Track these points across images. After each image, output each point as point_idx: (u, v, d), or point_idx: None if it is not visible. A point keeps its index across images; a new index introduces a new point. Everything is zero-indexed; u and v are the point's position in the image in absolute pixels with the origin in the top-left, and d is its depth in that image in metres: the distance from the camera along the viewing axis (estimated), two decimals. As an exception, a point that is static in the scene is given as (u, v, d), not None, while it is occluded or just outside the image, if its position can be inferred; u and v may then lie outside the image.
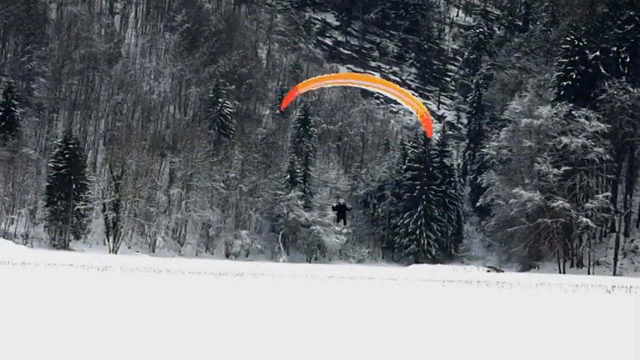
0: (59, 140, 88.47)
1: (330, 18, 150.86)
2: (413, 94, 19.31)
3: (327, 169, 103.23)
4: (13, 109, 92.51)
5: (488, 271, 76.45)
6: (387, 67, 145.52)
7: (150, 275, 28.17)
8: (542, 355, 10.48)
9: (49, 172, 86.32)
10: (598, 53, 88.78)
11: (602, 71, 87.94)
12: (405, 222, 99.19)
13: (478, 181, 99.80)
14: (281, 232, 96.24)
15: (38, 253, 55.43)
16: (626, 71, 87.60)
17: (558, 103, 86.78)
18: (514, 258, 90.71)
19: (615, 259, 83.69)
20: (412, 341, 11.41)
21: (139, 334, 10.95)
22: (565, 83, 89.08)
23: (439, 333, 12.56)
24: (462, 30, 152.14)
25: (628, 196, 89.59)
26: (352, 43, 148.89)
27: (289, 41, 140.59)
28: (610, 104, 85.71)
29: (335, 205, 25.04)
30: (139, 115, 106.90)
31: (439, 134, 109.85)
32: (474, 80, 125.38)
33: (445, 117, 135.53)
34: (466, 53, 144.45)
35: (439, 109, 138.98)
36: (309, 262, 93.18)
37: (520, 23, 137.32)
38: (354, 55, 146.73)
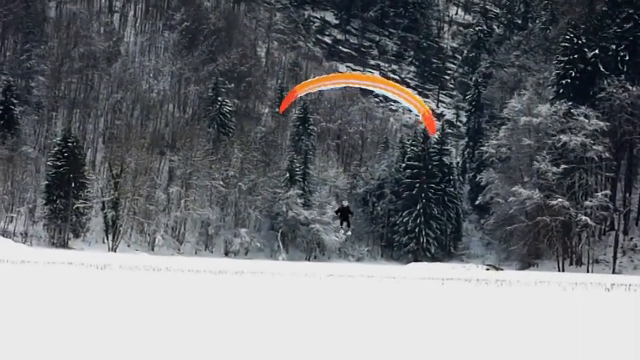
0: (58, 139, 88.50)
1: (330, 16, 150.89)
2: (412, 93, 19.07)
3: (327, 168, 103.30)
4: (13, 107, 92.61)
5: (488, 270, 76.44)
6: (386, 65, 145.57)
7: (149, 274, 28.17)
8: (542, 354, 10.49)
9: (49, 171, 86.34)
10: (597, 51, 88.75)
11: (602, 69, 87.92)
12: (404, 220, 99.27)
13: (477, 179, 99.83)
14: (280, 231, 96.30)
15: (37, 252, 55.43)
16: (625, 69, 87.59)
17: (557, 102, 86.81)
18: (513, 256, 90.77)
19: (614, 257, 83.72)
20: (411, 339, 11.42)
21: (139, 332, 10.97)
22: (564, 81, 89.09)
23: (438, 331, 12.57)
24: (461, 28, 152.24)
25: (627, 194, 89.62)
26: (351, 41, 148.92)
27: (288, 39, 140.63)
28: (609, 102, 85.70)
29: (338, 208, 24.83)
30: (138, 113, 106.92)
31: (438, 132, 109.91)
32: (473, 78, 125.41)
33: (444, 115, 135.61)
34: (465, 51, 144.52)
35: (438, 107, 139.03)
36: (309, 260, 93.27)
37: (519, 21, 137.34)
38: (353, 53, 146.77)
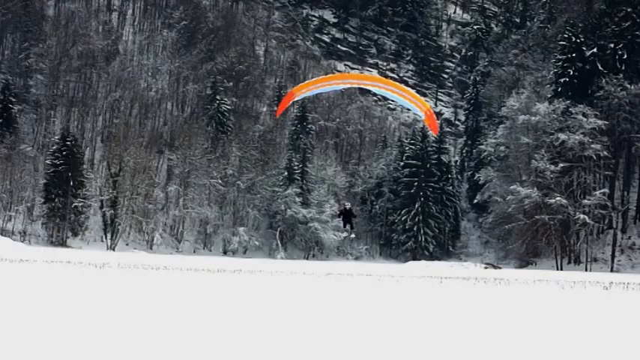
0: (57, 137, 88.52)
1: (328, 15, 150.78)
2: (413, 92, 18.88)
3: (325, 166, 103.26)
4: (11, 106, 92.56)
5: (486, 268, 76.52)
6: (385, 64, 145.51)
7: (148, 272, 28.20)
8: (540, 352, 10.52)
9: (47, 169, 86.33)
10: (595, 50, 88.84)
11: (600, 68, 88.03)
12: (403, 219, 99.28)
13: (475, 177, 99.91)
14: (279, 229, 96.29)
15: (36, 250, 55.43)
16: (623, 68, 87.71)
17: (556, 100, 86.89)
18: (511, 254, 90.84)
19: (612, 256, 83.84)
20: (410, 338, 11.45)
21: (138, 331, 10.99)
22: (562, 80, 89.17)
23: (437, 330, 12.60)
24: (459, 27, 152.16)
25: (625, 193, 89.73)
26: (350, 40, 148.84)
27: (287, 38, 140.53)
28: (607, 101, 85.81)
29: (340, 210, 24.65)
30: (136, 112, 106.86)
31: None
32: (472, 77, 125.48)
33: (443, 114, 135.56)
34: (463, 50, 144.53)
35: (436, 105, 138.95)
36: (307, 258, 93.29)
37: (517, 20, 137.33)
38: (352, 52, 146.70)
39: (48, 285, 19.45)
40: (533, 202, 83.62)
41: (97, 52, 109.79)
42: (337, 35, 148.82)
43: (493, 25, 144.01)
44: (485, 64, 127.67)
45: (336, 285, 25.53)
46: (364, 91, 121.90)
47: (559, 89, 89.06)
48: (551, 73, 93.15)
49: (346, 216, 24.51)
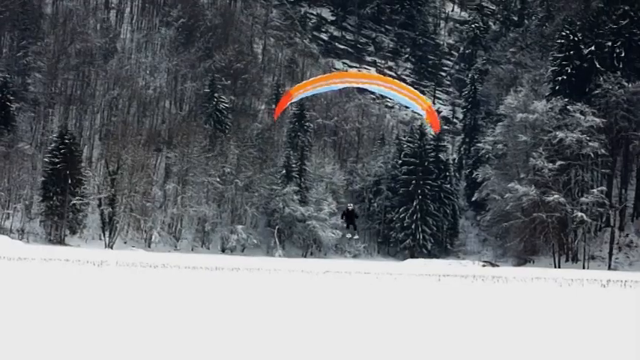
0: (55, 135, 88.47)
1: (326, 13, 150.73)
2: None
3: (323, 164, 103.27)
4: (9, 104, 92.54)
5: (484, 266, 76.63)
6: (383, 62, 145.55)
7: (146, 270, 28.22)
8: (538, 350, 10.56)
9: (45, 167, 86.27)
10: (593, 48, 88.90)
11: (597, 66, 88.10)
12: (401, 217, 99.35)
13: (473, 175, 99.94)
14: (277, 227, 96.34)
15: (34, 248, 55.40)
16: (620, 66, 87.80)
17: (553, 98, 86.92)
18: (509, 252, 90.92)
19: (610, 254, 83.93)
20: (408, 336, 11.49)
21: (136, 329, 11.02)
22: (560, 78, 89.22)
23: (435, 327, 12.64)
24: (457, 25, 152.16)
25: (623, 191, 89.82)
26: (348, 38, 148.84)
27: (285, 36, 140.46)
28: (605, 99, 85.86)
29: (343, 212, 24.61)
30: (134, 110, 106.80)
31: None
32: (470, 75, 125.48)
33: (441, 112, 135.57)
34: (461, 48, 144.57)
35: (435, 103, 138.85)
36: (305, 256, 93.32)
37: (515, 18, 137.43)
38: (350, 50, 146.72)
39: (46, 283, 19.46)
40: (531, 200, 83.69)
41: (95, 50, 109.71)
42: (335, 33, 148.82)
43: (491, 23, 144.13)
44: (483, 62, 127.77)
45: (334, 283, 25.57)
46: (362, 89, 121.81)
47: (557, 87, 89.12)
48: (549, 71, 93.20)
49: (349, 217, 24.45)
